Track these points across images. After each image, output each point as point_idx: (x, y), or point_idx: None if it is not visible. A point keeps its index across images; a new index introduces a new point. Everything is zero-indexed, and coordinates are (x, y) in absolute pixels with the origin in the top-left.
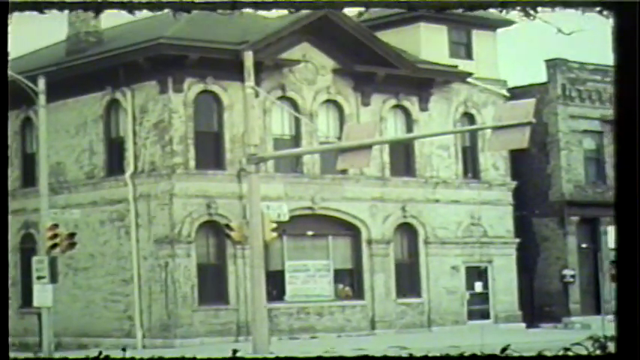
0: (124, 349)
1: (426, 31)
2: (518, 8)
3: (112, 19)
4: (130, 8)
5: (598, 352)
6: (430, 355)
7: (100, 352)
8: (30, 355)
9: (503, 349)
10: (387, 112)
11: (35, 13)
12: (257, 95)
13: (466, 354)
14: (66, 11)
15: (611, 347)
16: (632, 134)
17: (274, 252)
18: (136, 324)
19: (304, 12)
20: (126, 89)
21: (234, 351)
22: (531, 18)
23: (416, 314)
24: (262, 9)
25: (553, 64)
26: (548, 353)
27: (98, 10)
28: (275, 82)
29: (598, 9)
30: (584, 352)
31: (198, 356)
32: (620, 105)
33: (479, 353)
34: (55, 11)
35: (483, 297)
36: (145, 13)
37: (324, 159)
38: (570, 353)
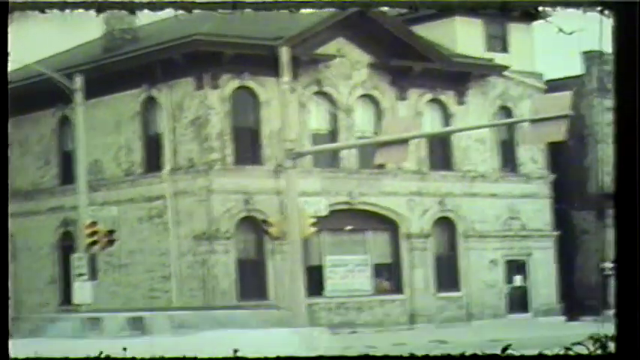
0: (124, 349)
1: (462, 25)
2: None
3: (146, 15)
4: (130, 8)
5: (599, 351)
6: (447, 353)
7: (101, 352)
8: None
9: (504, 349)
10: (423, 106)
11: (49, 13)
12: (293, 91)
13: (467, 354)
14: (68, 11)
15: (612, 347)
16: (632, 133)
17: (313, 247)
18: None
19: None
20: (162, 86)
21: (235, 350)
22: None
23: (455, 308)
24: (262, 9)
25: (589, 57)
26: (548, 353)
27: (98, 10)
28: (311, 78)
29: (598, 9)
30: (585, 352)
31: (204, 355)
32: (619, 104)
33: (479, 353)
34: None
35: (522, 290)
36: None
37: (362, 154)
38: (571, 353)
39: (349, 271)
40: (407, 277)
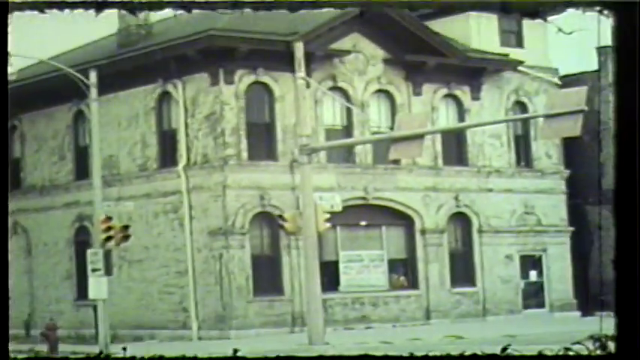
0: (124, 349)
1: (477, 20)
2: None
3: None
4: (130, 8)
5: (598, 351)
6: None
7: (101, 352)
8: (88, 347)
9: (504, 349)
10: (438, 101)
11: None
12: (308, 86)
13: (467, 353)
14: (67, 10)
15: (612, 347)
16: (633, 132)
17: (328, 242)
18: (191, 315)
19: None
20: (177, 81)
21: (235, 350)
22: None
23: (471, 303)
24: (262, 9)
25: (604, 52)
26: (548, 353)
27: (98, 10)
28: (326, 73)
29: (598, 9)
30: (585, 352)
31: (208, 353)
32: (620, 103)
33: (479, 353)
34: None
35: (538, 286)
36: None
37: (377, 149)
38: (571, 353)
39: (365, 266)
40: (422, 272)
